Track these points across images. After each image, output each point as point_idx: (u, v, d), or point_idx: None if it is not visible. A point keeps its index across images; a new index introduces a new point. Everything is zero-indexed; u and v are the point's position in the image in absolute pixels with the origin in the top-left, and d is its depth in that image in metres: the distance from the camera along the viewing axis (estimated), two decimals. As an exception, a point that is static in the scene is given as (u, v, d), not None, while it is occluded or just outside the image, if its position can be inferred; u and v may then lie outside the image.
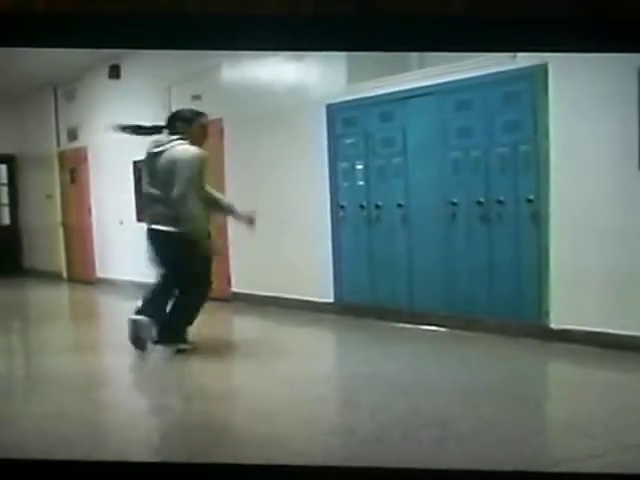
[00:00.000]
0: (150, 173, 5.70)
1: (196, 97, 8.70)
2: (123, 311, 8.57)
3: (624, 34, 2.31)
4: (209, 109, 8.42)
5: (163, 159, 5.56)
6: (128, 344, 5.76)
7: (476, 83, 6.00)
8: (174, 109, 9.06)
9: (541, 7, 2.31)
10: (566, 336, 5.61)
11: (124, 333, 5.98)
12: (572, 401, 4.47)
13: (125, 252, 10.02)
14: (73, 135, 11.55)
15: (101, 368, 5.75)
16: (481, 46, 2.60)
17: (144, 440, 3.96)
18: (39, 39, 2.36)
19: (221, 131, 8.44)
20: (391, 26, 2.28)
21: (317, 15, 2.27)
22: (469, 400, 4.41)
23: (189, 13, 2.30)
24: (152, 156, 5.65)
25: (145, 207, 6.10)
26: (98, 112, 10.49)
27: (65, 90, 11.43)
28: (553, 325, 5.74)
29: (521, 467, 3.35)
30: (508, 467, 3.33)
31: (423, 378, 4.95)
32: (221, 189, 8.46)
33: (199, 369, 5.48)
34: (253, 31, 2.31)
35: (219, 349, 6.09)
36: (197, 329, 5.83)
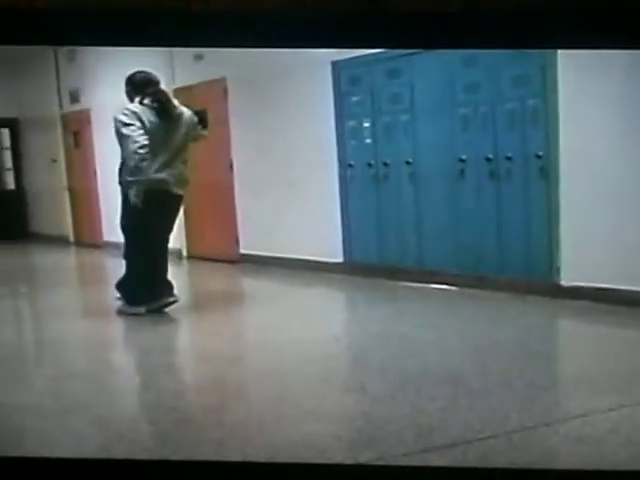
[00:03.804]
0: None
1: (198, 57, 8.62)
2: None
3: (630, 29, 2.27)
4: (212, 69, 8.41)
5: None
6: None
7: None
8: (177, 69, 9.07)
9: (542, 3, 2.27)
10: (576, 293, 5.58)
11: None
12: (583, 357, 4.47)
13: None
14: (75, 97, 11.48)
15: (111, 331, 5.74)
16: (487, 43, 2.55)
17: (156, 401, 3.96)
18: (40, 36, 2.33)
19: (225, 90, 8.37)
20: (396, 23, 2.25)
21: (320, 12, 2.24)
22: (480, 357, 4.42)
23: (193, 10, 2.27)
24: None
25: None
26: (100, 73, 10.41)
27: (66, 51, 11.33)
28: (563, 282, 5.72)
29: (532, 423, 3.34)
30: (519, 422, 3.33)
31: (434, 336, 4.95)
32: (226, 150, 8.43)
33: (210, 330, 5.48)
34: (255, 28, 2.28)
35: (228, 310, 6.10)
36: (206, 290, 5.82)
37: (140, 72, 5.90)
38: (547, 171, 5.74)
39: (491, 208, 6.15)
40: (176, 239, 9.37)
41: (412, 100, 6.58)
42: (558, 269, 5.74)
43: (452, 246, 6.46)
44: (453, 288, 6.32)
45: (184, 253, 9.29)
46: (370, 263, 7.06)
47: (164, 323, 5.63)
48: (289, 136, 7.75)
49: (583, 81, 5.45)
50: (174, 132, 5.80)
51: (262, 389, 4.11)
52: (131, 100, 5.80)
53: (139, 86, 5.81)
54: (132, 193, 5.58)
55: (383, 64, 6.70)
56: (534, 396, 3.71)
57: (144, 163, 5.55)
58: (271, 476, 2.67)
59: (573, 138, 5.58)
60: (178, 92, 9.15)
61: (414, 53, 6.38)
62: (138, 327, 5.57)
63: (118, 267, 9.66)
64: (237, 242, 8.52)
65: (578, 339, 4.96)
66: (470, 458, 2.99)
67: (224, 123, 8.27)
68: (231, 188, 8.34)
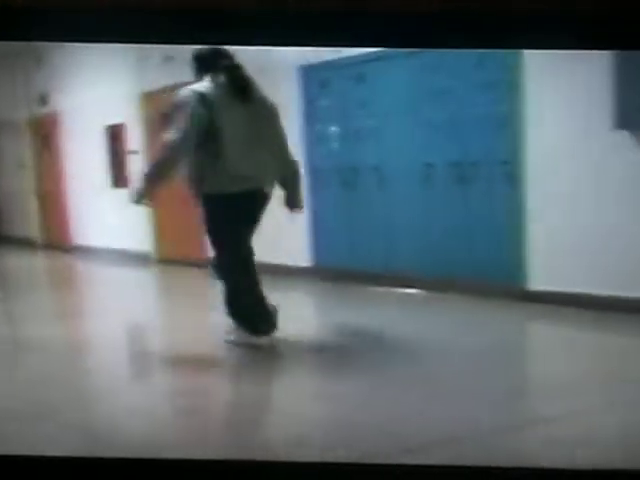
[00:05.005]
0: None
1: (169, 58, 8.55)
2: (102, 278, 8.60)
3: (609, 31, 2.28)
4: (183, 71, 8.34)
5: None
6: (108, 311, 5.75)
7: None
8: (146, 71, 9.00)
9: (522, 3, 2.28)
10: (544, 297, 5.61)
11: (103, 300, 5.95)
12: (551, 361, 4.47)
13: (102, 218, 9.94)
14: (44, 100, 11.38)
15: (83, 336, 5.68)
16: (466, 43, 2.55)
17: (132, 406, 3.93)
18: (20, 33, 2.32)
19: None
20: (375, 22, 2.24)
21: (300, 11, 2.23)
22: (450, 361, 4.42)
23: (167, 7, 2.25)
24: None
25: None
26: (69, 76, 10.32)
27: (34, 54, 11.21)
28: (531, 286, 5.75)
29: (500, 426, 3.36)
30: (489, 425, 3.34)
31: (403, 341, 4.94)
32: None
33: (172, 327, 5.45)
34: (234, 26, 2.27)
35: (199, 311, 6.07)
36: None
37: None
38: (514, 176, 5.76)
39: (459, 213, 6.17)
40: (145, 242, 9.36)
41: (379, 105, 6.58)
42: (525, 274, 5.76)
43: (421, 251, 6.47)
44: (423, 292, 6.33)
45: (154, 256, 9.25)
46: (339, 268, 7.05)
47: (134, 326, 5.58)
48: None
49: (549, 85, 5.48)
50: (255, 118, 4.67)
51: (233, 395, 4.10)
52: (200, 80, 4.69)
53: (208, 60, 4.69)
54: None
55: (351, 69, 6.69)
56: (504, 400, 3.71)
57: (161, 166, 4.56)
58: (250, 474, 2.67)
59: (540, 143, 5.60)
60: (146, 96, 9.11)
61: (382, 58, 6.38)
62: (110, 332, 5.54)
63: (87, 270, 9.66)
64: (205, 245, 8.47)
65: (546, 343, 5.00)
66: (440, 461, 2.98)
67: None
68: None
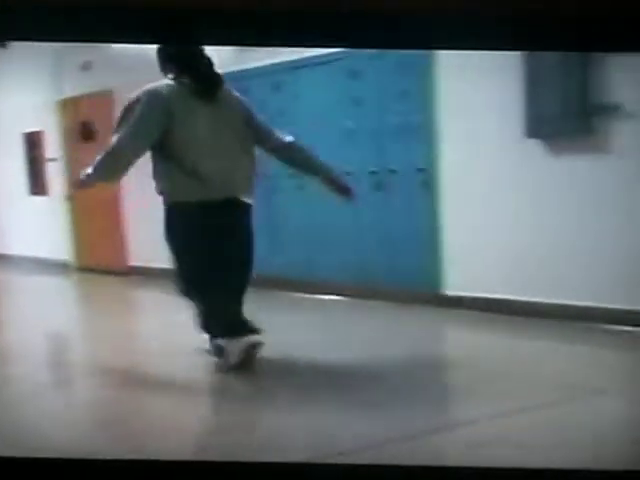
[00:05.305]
0: None
1: (86, 65, 8.44)
2: (21, 287, 8.45)
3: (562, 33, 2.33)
4: (100, 79, 8.24)
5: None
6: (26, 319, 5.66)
7: (368, 52, 5.97)
8: (65, 78, 8.87)
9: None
10: (462, 303, 5.70)
11: (22, 308, 5.85)
12: (471, 366, 4.50)
13: (20, 226, 9.78)
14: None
15: (3, 344, 5.58)
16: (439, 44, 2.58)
17: (51, 414, 3.90)
18: (12, 33, 2.29)
19: (112, 102, 8.22)
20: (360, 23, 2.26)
21: (286, 11, 2.23)
22: (371, 367, 4.44)
23: (158, 6, 2.24)
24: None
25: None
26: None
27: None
28: (448, 292, 5.82)
29: (426, 430, 3.38)
30: (410, 430, 3.36)
31: (324, 347, 4.94)
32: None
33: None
34: (218, 26, 2.26)
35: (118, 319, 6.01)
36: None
37: None
38: (429, 184, 5.83)
39: (378, 220, 6.22)
40: (64, 250, 9.23)
41: (297, 114, 6.57)
42: (442, 280, 5.84)
43: (341, 257, 6.49)
44: (343, 299, 6.36)
45: (73, 264, 9.14)
46: (260, 274, 7.01)
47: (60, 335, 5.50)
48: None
49: (464, 96, 5.56)
50: (223, 118, 4.29)
51: (149, 403, 4.08)
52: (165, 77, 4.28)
53: (173, 56, 4.23)
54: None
55: (268, 77, 6.69)
56: (424, 405, 3.74)
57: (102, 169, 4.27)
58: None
59: (454, 151, 5.69)
60: (65, 103, 8.99)
61: (299, 66, 6.40)
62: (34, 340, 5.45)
63: (5, 279, 9.46)
64: (126, 253, 8.39)
65: (465, 348, 5.02)
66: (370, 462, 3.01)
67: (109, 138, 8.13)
68: (116, 198, 8.23)
